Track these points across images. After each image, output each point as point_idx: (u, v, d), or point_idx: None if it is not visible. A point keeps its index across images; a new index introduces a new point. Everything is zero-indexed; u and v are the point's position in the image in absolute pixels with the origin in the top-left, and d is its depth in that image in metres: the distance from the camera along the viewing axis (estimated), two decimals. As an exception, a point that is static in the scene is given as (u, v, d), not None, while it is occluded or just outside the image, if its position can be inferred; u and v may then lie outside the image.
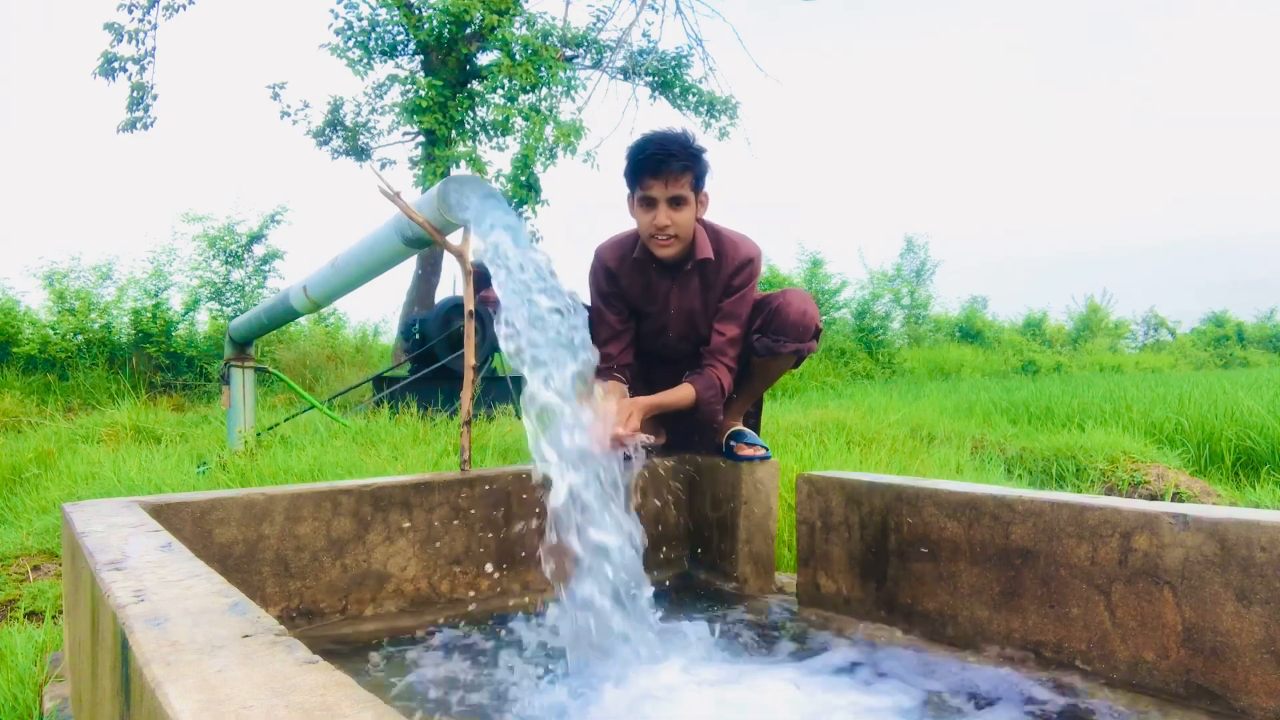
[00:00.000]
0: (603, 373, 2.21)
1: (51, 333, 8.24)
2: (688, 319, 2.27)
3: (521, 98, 8.03)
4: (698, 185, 2.12)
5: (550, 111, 8.13)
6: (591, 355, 1.77)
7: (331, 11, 8.62)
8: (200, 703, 0.60)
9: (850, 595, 1.95)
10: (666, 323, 2.28)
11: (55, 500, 3.19)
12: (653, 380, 2.33)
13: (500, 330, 1.71)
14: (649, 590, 1.70)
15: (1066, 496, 1.60)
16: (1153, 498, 3.83)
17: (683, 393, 2.19)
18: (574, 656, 1.58)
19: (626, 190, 2.18)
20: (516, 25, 8.10)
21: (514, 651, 1.66)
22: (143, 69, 8.15)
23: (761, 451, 2.20)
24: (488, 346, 5.78)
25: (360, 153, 9.47)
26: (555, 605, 1.64)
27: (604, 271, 2.27)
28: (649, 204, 2.11)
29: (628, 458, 2.02)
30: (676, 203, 2.09)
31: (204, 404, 7.37)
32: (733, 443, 2.24)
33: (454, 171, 8.01)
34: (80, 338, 8.38)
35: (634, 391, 2.24)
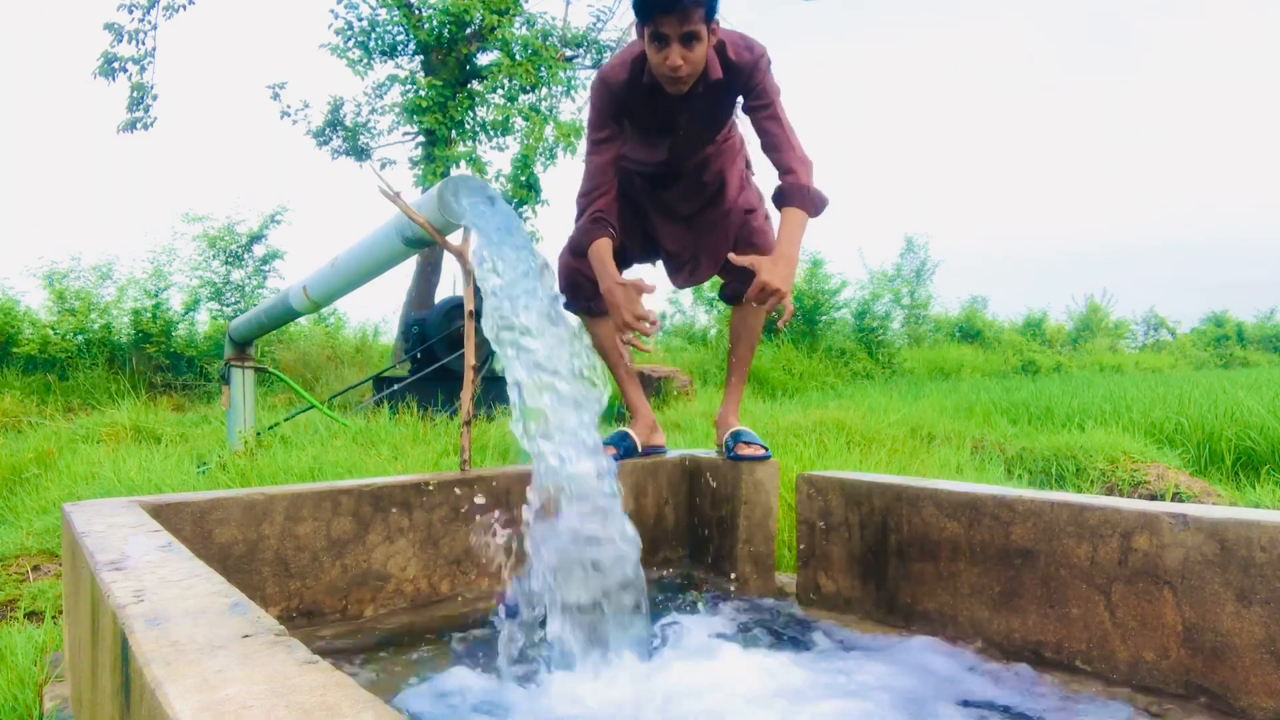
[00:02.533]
0: (595, 230, 2.15)
1: (51, 333, 8.23)
2: (695, 136, 2.23)
3: (521, 98, 8.04)
4: (709, 17, 2.04)
5: (550, 111, 8.14)
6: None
7: (331, 11, 8.62)
8: (200, 703, 0.60)
9: (850, 595, 1.95)
10: (674, 142, 2.23)
11: (55, 500, 3.19)
12: (643, 205, 2.34)
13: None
14: (644, 589, 1.70)
15: (1066, 496, 1.60)
16: (1153, 498, 3.83)
17: (796, 222, 2.08)
18: (570, 656, 1.58)
19: (635, 19, 2.10)
20: (516, 25, 8.10)
21: (513, 651, 1.66)
22: (143, 69, 8.15)
23: (761, 451, 2.20)
24: (488, 346, 5.77)
25: (360, 153, 9.47)
26: (551, 606, 1.64)
27: (609, 96, 2.15)
28: (661, 41, 2.01)
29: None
30: (689, 40, 2.00)
31: (204, 404, 7.38)
32: (733, 442, 2.24)
33: (454, 171, 8.01)
34: (80, 338, 8.38)
35: (624, 239, 2.28)
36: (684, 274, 2.42)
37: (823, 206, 2.14)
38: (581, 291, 2.29)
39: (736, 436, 2.26)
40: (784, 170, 2.11)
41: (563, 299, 2.20)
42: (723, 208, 2.33)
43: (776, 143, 2.12)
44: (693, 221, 2.36)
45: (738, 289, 2.28)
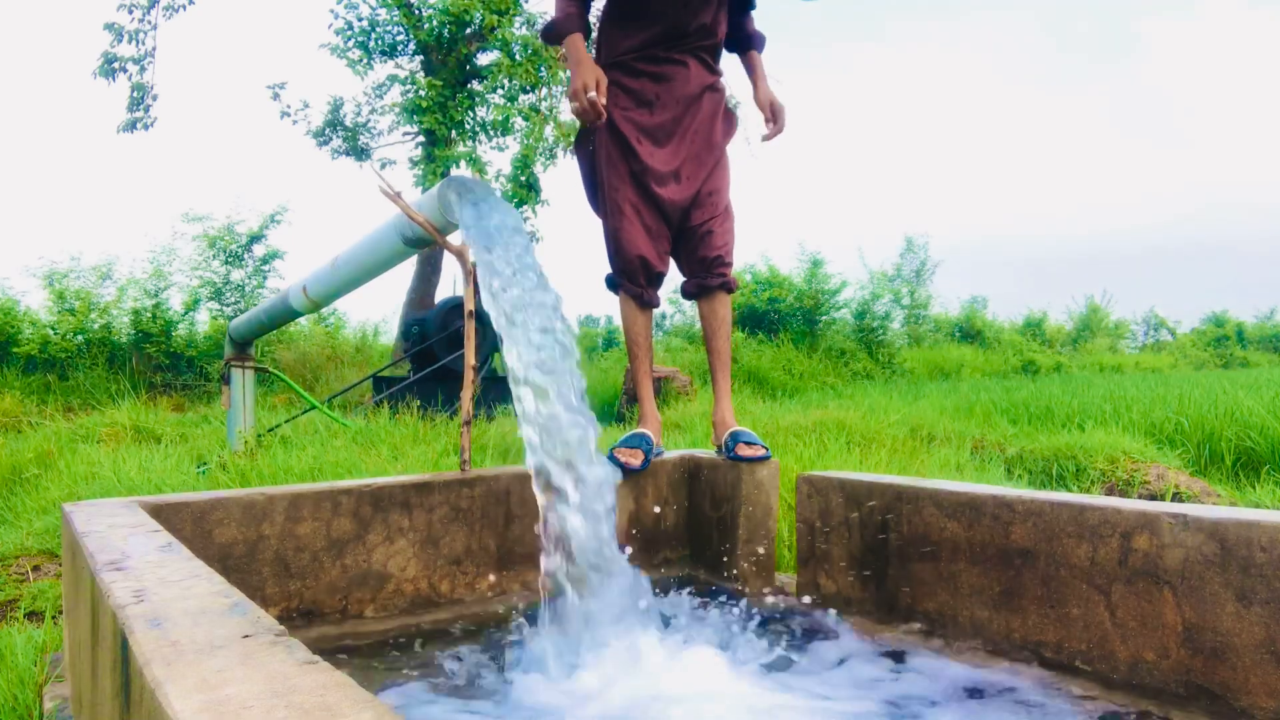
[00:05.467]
0: (570, 22, 2.30)
1: (51, 333, 8.24)
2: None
3: (521, 98, 8.04)
4: None
5: (550, 111, 8.14)
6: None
7: (331, 11, 8.63)
8: (200, 703, 0.60)
9: (850, 595, 1.95)
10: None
11: (55, 500, 3.19)
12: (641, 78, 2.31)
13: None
14: (646, 587, 1.70)
15: (1066, 496, 1.60)
16: (1153, 498, 3.83)
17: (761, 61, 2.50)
18: (569, 656, 1.58)
19: None
20: (516, 25, 8.10)
21: (512, 652, 1.66)
22: (143, 69, 8.15)
23: (761, 451, 2.19)
24: (488, 346, 5.78)
25: (360, 153, 9.48)
26: (547, 605, 1.64)
27: None
28: None
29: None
30: None
31: (204, 404, 7.38)
32: (732, 443, 2.23)
33: (454, 171, 8.01)
34: (80, 338, 8.39)
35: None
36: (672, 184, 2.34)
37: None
38: (635, 277, 2.31)
39: (736, 437, 2.25)
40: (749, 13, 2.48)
41: (611, 276, 2.37)
42: (711, 134, 2.33)
43: None
44: (679, 127, 2.33)
45: (702, 283, 2.33)
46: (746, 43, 2.50)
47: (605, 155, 2.33)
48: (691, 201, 2.30)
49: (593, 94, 2.20)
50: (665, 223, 2.33)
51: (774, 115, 2.45)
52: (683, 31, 2.28)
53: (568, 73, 8.57)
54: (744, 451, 2.19)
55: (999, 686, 1.50)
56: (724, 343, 2.38)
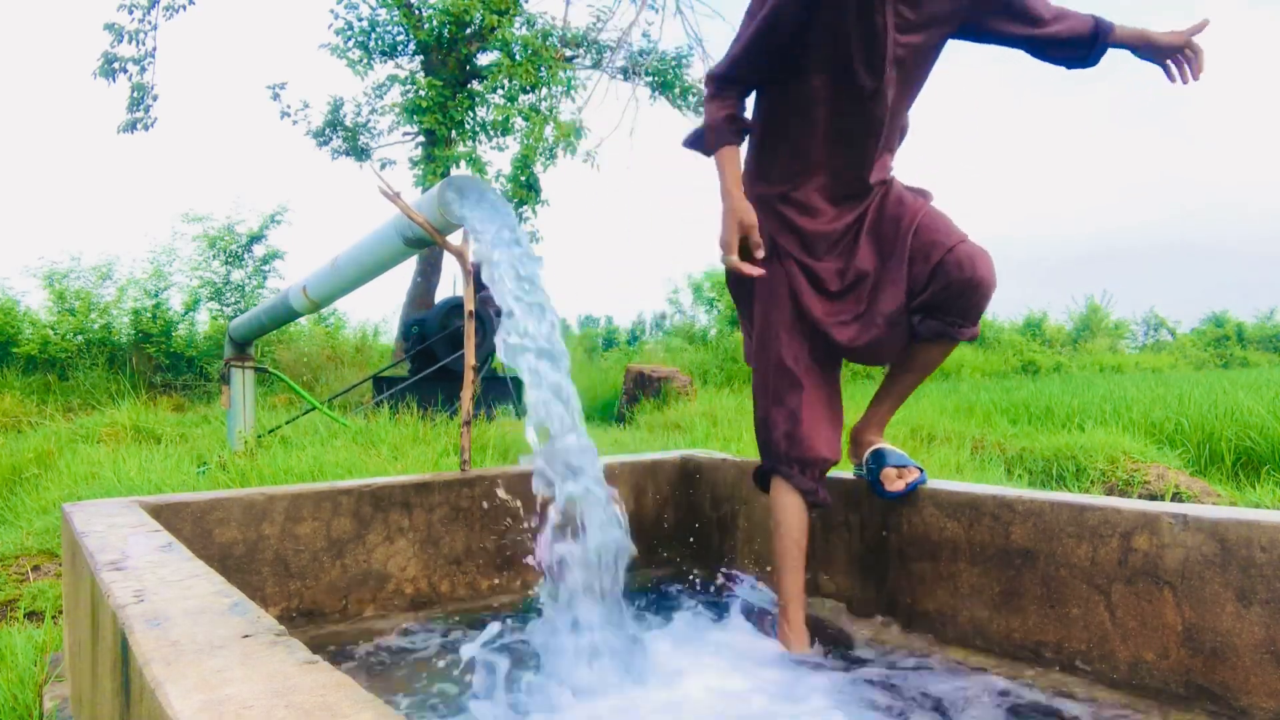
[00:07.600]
0: (726, 134, 1.73)
1: (51, 333, 8.25)
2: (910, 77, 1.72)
3: (521, 98, 8.04)
4: None
5: (550, 111, 8.14)
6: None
7: (331, 12, 8.64)
8: (200, 703, 0.60)
9: (850, 595, 1.95)
10: (881, 88, 1.66)
11: (55, 500, 3.19)
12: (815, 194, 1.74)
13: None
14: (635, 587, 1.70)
15: (1066, 496, 1.60)
16: (1153, 498, 3.83)
17: None
18: (569, 655, 1.58)
19: None
20: (516, 25, 8.11)
21: (513, 651, 1.66)
22: (143, 69, 8.15)
23: (916, 476, 1.78)
24: (488, 346, 5.78)
25: (360, 153, 9.48)
26: (546, 604, 1.63)
27: None
28: None
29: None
30: None
31: (204, 404, 7.38)
32: (876, 465, 1.82)
33: (454, 171, 8.01)
34: (80, 338, 8.39)
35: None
36: (858, 310, 1.75)
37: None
38: (811, 470, 1.73)
39: (881, 458, 1.81)
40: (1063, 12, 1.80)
41: (770, 466, 1.78)
42: (899, 203, 1.76)
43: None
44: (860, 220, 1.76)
45: (950, 329, 1.70)
46: (1087, 42, 1.81)
47: (772, 305, 1.78)
48: (913, 265, 1.69)
49: (735, 259, 1.69)
50: (837, 370, 1.83)
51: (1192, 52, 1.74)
52: (860, 183, 1.74)
53: (568, 73, 8.63)
54: (894, 484, 1.77)
55: (999, 687, 1.50)
56: (914, 383, 1.85)
